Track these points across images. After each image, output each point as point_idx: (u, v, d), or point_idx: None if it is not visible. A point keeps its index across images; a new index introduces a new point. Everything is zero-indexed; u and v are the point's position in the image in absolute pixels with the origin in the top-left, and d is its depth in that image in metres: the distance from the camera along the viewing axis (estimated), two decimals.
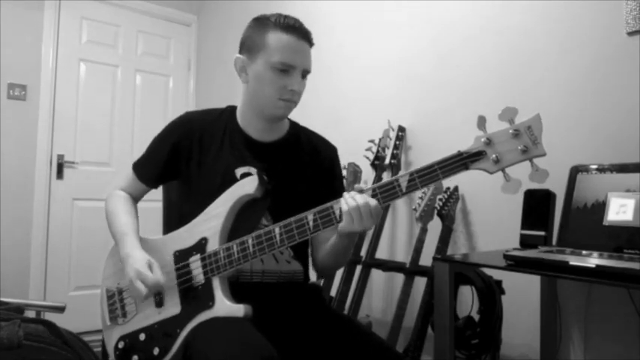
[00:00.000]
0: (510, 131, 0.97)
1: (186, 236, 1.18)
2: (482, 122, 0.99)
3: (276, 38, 1.17)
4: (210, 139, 1.27)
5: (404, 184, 1.02)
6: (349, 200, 1.03)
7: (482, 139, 0.99)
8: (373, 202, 1.02)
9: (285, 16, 1.20)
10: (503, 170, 0.99)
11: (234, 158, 1.24)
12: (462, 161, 0.99)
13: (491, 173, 0.99)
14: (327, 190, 1.26)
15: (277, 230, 1.08)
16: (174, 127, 1.31)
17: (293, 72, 1.18)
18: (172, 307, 1.14)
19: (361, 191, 1.04)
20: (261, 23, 1.20)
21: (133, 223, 1.26)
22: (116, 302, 1.23)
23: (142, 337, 1.16)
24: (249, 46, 1.22)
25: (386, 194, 1.03)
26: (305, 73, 1.22)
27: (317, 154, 1.33)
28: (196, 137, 1.27)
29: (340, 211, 1.05)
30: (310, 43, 1.22)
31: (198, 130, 1.27)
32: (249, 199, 1.15)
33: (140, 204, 1.38)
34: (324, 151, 1.35)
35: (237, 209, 1.16)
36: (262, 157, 1.25)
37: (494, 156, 0.98)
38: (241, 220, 1.16)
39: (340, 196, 1.07)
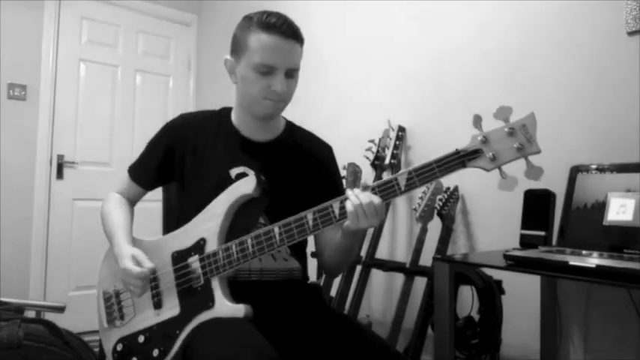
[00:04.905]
0: (505, 130, 0.98)
1: (184, 237, 1.18)
2: (478, 121, 1.00)
3: (256, 39, 1.15)
4: (204, 141, 1.27)
5: (402, 182, 1.02)
6: (353, 198, 1.03)
7: (479, 138, 1.00)
8: (377, 199, 1.02)
9: (269, 14, 1.17)
10: (499, 168, 1.00)
11: (229, 159, 1.24)
12: (460, 159, 1.00)
13: (487, 171, 1.01)
14: (322, 189, 1.26)
15: (277, 230, 1.08)
16: (167, 129, 1.31)
17: (275, 72, 1.16)
18: (171, 308, 1.14)
19: (365, 188, 1.04)
20: (246, 22, 1.19)
21: (125, 221, 1.26)
22: (113, 304, 1.23)
23: (141, 339, 1.16)
24: (235, 47, 1.21)
25: (385, 192, 1.03)
26: (290, 72, 1.18)
27: (311, 153, 1.32)
28: (190, 139, 1.27)
29: (339, 209, 1.05)
30: (297, 40, 1.17)
31: (192, 132, 1.27)
32: (247, 199, 1.14)
33: (140, 204, 1.38)
34: (318, 150, 1.34)
35: (235, 209, 1.15)
36: (257, 157, 1.25)
37: (490, 154, 0.99)
38: (239, 220, 1.15)
39: (337, 194, 1.07)
